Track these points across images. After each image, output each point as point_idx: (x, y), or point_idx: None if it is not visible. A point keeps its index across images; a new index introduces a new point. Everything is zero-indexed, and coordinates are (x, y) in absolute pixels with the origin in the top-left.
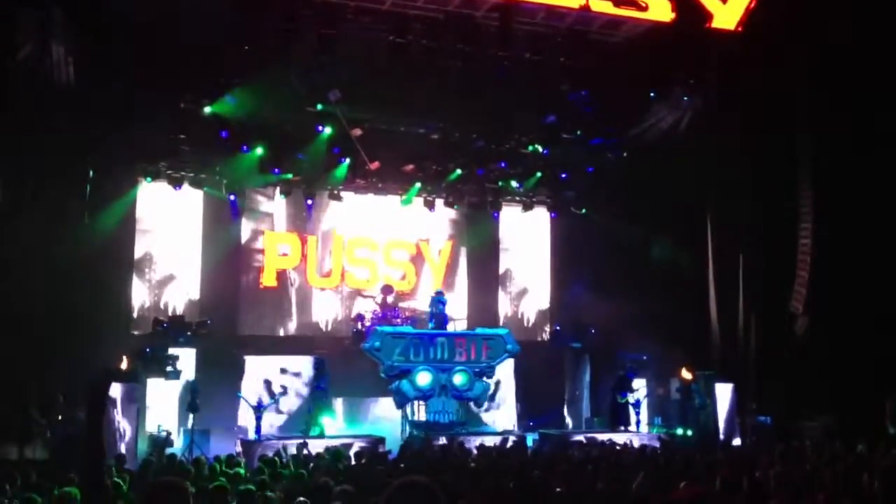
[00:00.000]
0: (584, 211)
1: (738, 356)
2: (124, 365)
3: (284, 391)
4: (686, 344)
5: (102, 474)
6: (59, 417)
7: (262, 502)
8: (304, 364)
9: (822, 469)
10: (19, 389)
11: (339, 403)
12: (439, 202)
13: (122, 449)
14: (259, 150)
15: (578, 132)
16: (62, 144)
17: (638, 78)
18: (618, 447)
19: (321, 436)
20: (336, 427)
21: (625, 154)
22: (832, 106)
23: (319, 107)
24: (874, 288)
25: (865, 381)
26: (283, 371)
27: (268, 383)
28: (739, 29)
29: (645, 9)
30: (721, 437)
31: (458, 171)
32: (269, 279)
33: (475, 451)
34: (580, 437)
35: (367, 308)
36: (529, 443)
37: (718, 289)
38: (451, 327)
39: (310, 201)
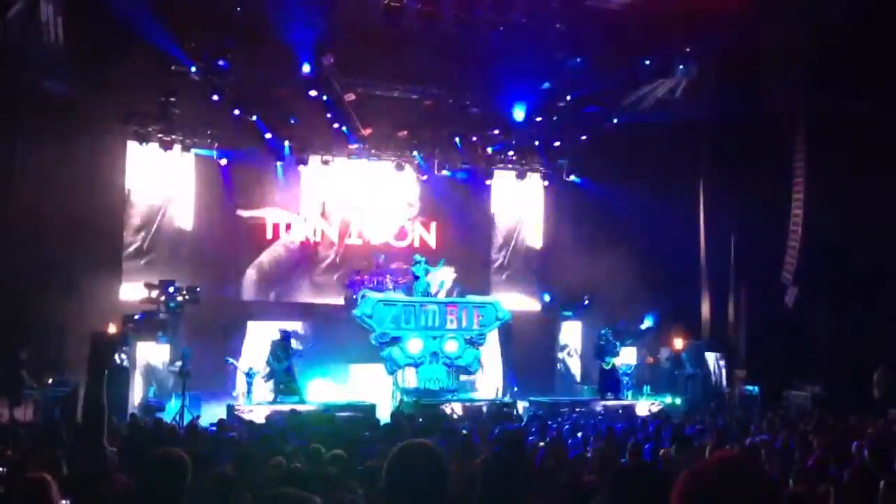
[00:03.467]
0: (575, 178)
1: (728, 326)
2: (113, 329)
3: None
4: (677, 313)
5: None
6: (50, 381)
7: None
8: (296, 329)
9: (809, 436)
10: (10, 353)
11: (329, 370)
12: (432, 169)
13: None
14: (251, 114)
15: (573, 99)
16: (51, 104)
17: (633, 46)
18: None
19: (303, 402)
20: (327, 393)
21: (615, 121)
22: (829, 76)
23: (310, 70)
24: (864, 259)
25: (855, 351)
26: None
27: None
28: None
29: None
30: (711, 405)
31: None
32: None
33: (465, 417)
34: (573, 405)
35: (359, 274)
36: (520, 410)
37: (709, 258)
38: (441, 295)
39: (302, 166)
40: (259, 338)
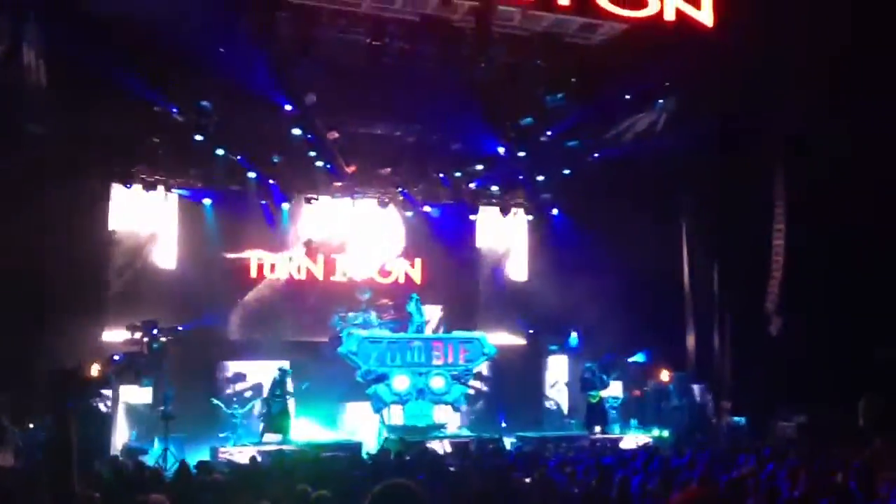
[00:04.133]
0: (559, 212)
1: (713, 357)
2: (95, 372)
3: (260, 396)
4: (663, 345)
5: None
6: (31, 425)
7: None
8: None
9: (797, 468)
10: None
11: (316, 408)
12: (416, 205)
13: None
14: (234, 154)
15: (554, 134)
16: (34, 147)
17: (613, 81)
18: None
19: (287, 441)
20: (312, 432)
21: (596, 155)
22: (807, 108)
23: (293, 108)
24: (848, 288)
25: (840, 380)
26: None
27: (242, 388)
28: (712, 26)
29: (645, 6)
30: (697, 437)
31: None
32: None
33: (453, 454)
34: (559, 439)
35: (344, 311)
36: (508, 445)
37: (693, 289)
38: (426, 331)
39: (286, 205)
40: (245, 377)
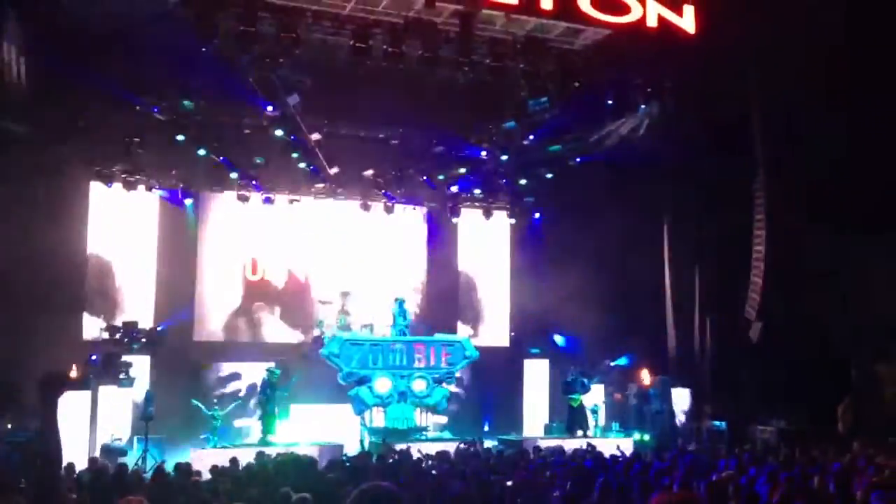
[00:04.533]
0: (541, 216)
1: (694, 362)
2: (74, 373)
3: (240, 398)
4: (644, 349)
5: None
6: (9, 426)
7: None
8: (261, 371)
9: (776, 472)
10: None
11: (296, 410)
12: (399, 207)
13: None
14: (216, 154)
15: (537, 138)
16: (14, 146)
17: (596, 85)
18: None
19: (269, 444)
20: (293, 434)
21: (579, 159)
22: (787, 113)
23: (275, 109)
24: (828, 294)
25: (819, 386)
26: (239, 377)
27: (225, 391)
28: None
29: (628, 12)
30: (678, 441)
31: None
32: (227, 282)
33: (434, 457)
34: (541, 443)
35: (325, 314)
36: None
37: (674, 294)
38: (408, 333)
39: (268, 205)
40: (226, 378)
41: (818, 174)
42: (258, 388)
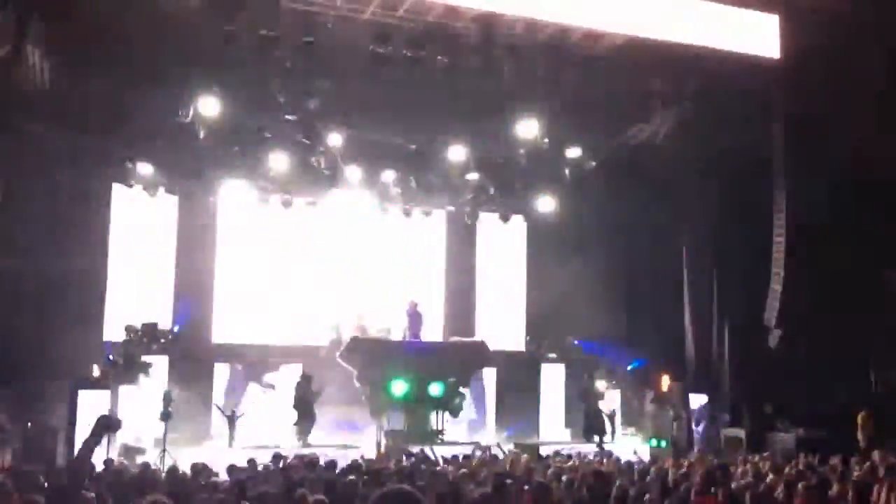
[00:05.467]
0: (559, 219)
1: (712, 368)
2: (95, 372)
3: (258, 400)
4: (662, 355)
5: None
6: (30, 424)
7: None
8: (279, 373)
9: (793, 481)
10: None
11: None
12: (417, 210)
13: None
14: (236, 157)
15: (556, 143)
16: (36, 148)
17: (616, 90)
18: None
19: (293, 445)
20: (312, 436)
21: (594, 164)
22: (808, 122)
23: (296, 113)
24: (848, 301)
25: (838, 394)
26: (259, 380)
27: (242, 392)
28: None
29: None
30: (695, 448)
31: (441, 182)
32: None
33: (451, 461)
34: (556, 448)
35: (343, 317)
36: (505, 453)
37: (693, 301)
38: (425, 337)
39: (287, 208)
40: (241, 381)
41: (840, 178)
42: (295, 391)
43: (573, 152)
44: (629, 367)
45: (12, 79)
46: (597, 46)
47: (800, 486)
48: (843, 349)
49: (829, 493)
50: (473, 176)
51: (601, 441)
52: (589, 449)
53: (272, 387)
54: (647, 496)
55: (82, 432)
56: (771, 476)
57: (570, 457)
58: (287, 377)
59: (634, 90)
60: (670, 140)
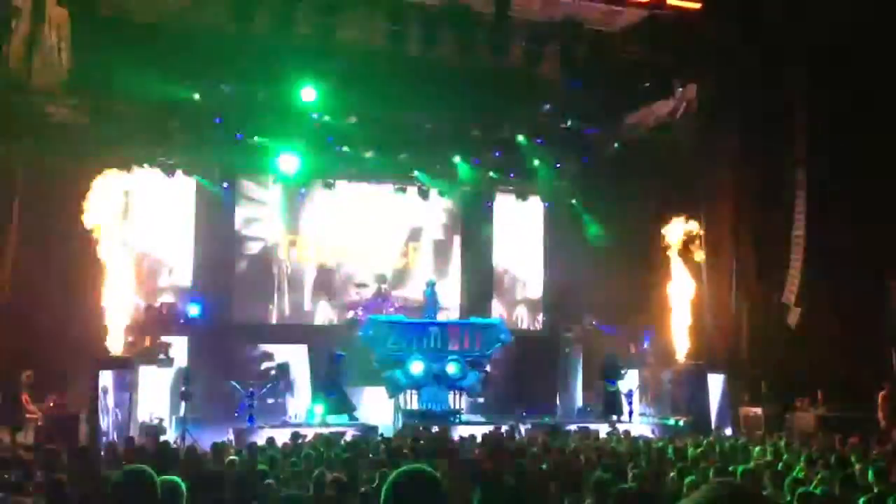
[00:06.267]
0: (576, 200)
1: (731, 347)
2: (117, 352)
3: (277, 379)
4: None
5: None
6: (52, 404)
7: (261, 490)
8: (296, 353)
9: (813, 460)
10: (12, 376)
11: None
12: (433, 191)
13: (115, 436)
14: (253, 138)
15: (573, 122)
16: (57, 131)
17: (633, 68)
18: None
19: (311, 424)
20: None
21: (617, 145)
22: (829, 98)
23: (314, 95)
24: (867, 280)
25: (858, 373)
26: (275, 359)
27: (260, 371)
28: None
29: None
30: (712, 427)
31: (458, 160)
32: (263, 264)
33: (468, 441)
34: (573, 427)
35: (360, 297)
36: (522, 432)
37: (711, 279)
38: (442, 316)
39: (303, 189)
40: (259, 360)
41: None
42: (326, 369)
43: (590, 132)
44: (645, 345)
45: (31, 60)
46: (613, 24)
47: (819, 463)
48: (863, 327)
49: (848, 473)
50: (490, 155)
51: (618, 420)
52: (606, 428)
53: (290, 365)
54: (663, 475)
55: (104, 411)
56: (790, 455)
57: (587, 435)
58: (306, 356)
59: (651, 68)
60: (688, 118)
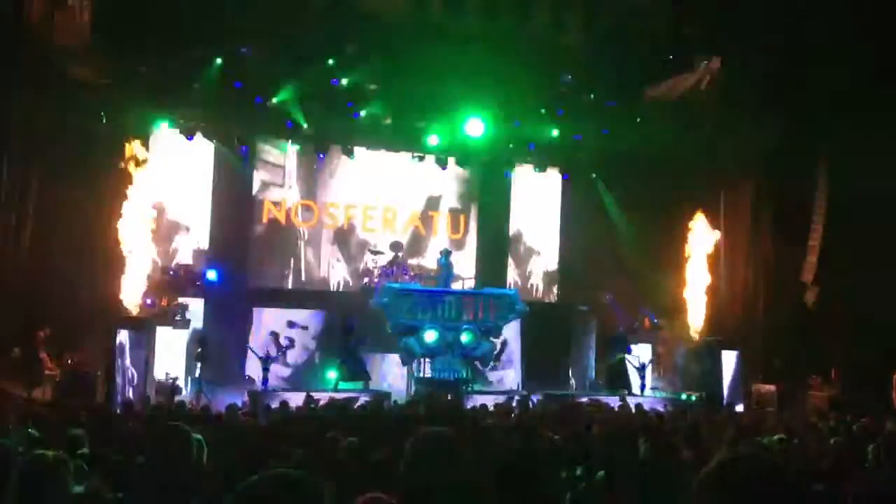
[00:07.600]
0: (594, 176)
1: (746, 324)
2: (133, 312)
3: (291, 344)
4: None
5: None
6: (70, 361)
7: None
8: (311, 318)
9: (826, 439)
10: (30, 333)
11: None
12: (451, 160)
13: (131, 394)
14: (272, 101)
15: (594, 93)
16: (77, 92)
17: (656, 39)
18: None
19: (325, 389)
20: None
21: (639, 119)
22: (852, 77)
23: (332, 60)
24: (886, 260)
25: (874, 353)
26: (291, 324)
27: (275, 335)
28: None
29: None
30: (724, 403)
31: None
32: (279, 229)
33: (480, 409)
34: (585, 399)
35: (375, 264)
36: (534, 403)
37: (728, 256)
38: (457, 286)
39: (322, 155)
40: (274, 324)
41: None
42: (340, 336)
43: (611, 103)
44: (656, 321)
45: (54, 21)
46: None
47: (832, 441)
48: (879, 308)
49: (861, 453)
50: (509, 126)
51: (629, 393)
52: (619, 400)
53: (306, 328)
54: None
55: (120, 370)
56: (802, 434)
57: (599, 407)
58: (320, 321)
59: (674, 39)
60: (711, 91)
